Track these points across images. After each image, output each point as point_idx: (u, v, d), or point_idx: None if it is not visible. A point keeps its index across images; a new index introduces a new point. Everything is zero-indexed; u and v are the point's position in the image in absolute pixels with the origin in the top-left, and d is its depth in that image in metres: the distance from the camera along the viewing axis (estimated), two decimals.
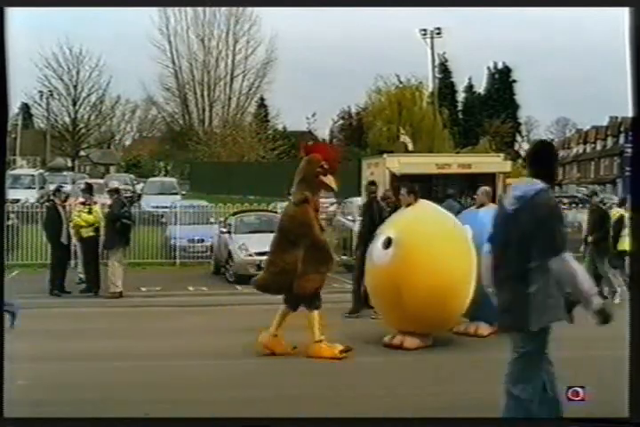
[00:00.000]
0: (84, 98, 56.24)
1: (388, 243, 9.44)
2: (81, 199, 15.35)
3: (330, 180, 8.97)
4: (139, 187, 36.91)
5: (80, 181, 30.87)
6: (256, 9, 51.76)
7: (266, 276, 9.04)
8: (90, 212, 14.42)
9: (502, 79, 64.26)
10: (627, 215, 14.88)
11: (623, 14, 5.64)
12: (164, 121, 60.51)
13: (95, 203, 14.81)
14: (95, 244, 14.35)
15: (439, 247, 9.33)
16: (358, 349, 9.32)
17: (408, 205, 9.94)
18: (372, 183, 12.90)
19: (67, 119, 56.64)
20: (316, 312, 8.88)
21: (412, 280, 9.13)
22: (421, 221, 9.82)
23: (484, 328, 9.89)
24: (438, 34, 47.94)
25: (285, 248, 8.85)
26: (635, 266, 6.26)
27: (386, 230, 9.75)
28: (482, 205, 10.44)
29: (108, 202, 14.92)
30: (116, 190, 14.98)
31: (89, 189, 15.41)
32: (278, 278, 8.83)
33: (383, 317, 10.07)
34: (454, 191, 17.99)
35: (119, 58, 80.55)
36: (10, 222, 17.79)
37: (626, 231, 14.27)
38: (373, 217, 11.53)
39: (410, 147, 20.68)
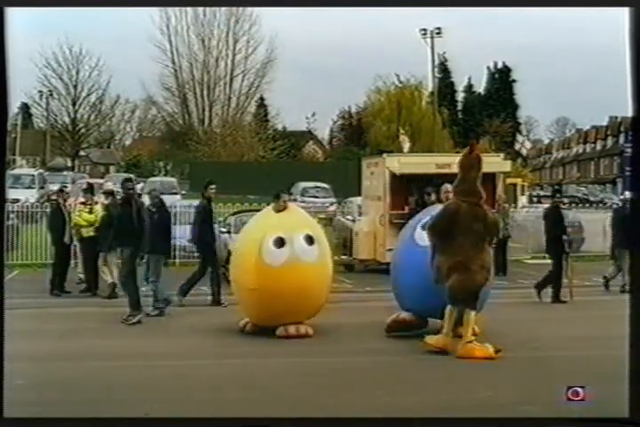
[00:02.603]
0: (83, 98, 56.36)
1: (310, 240, 10.02)
2: (81, 199, 15.33)
3: None
4: (139, 187, 36.86)
5: (80, 181, 30.85)
6: (256, 9, 51.81)
7: (470, 276, 8.96)
8: (91, 212, 14.41)
9: (502, 79, 64.28)
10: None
11: (623, 14, 5.65)
12: (163, 121, 60.50)
13: (96, 203, 14.77)
14: (95, 244, 14.32)
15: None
16: (358, 348, 9.33)
17: (282, 209, 10.47)
18: (129, 180, 13.12)
19: (66, 119, 56.74)
20: (473, 313, 8.94)
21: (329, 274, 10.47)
22: (308, 220, 10.90)
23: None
24: (438, 34, 47.96)
25: (480, 247, 9.03)
26: (635, 266, 6.26)
27: (285, 230, 10.12)
28: None
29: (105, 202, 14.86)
30: (111, 193, 14.96)
31: (90, 189, 15.38)
32: (479, 277, 8.95)
33: (265, 313, 10.09)
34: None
35: (119, 58, 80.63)
36: (10, 222, 17.76)
37: None
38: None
39: (405, 148, 20.54)
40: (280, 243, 9.96)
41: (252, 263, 10.10)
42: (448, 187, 10.36)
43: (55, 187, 20.53)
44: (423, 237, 9.62)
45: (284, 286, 9.80)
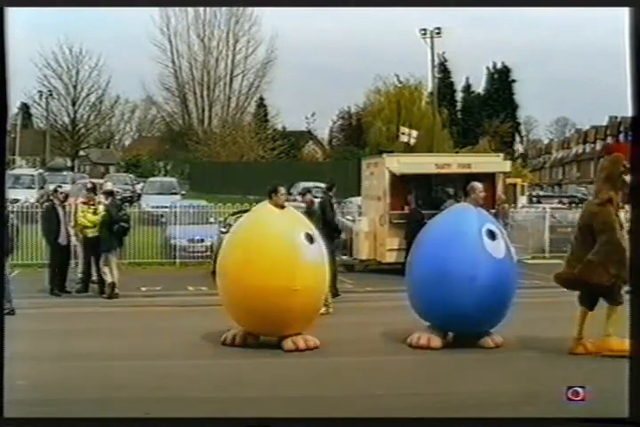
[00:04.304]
0: (83, 98, 56.40)
1: (310, 238, 9.38)
2: (81, 199, 15.32)
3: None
4: (138, 187, 36.90)
5: (79, 181, 30.85)
6: (256, 9, 51.88)
7: (570, 271, 9.09)
8: (95, 213, 14.41)
9: (502, 79, 64.27)
10: None
11: (623, 14, 5.66)
12: (163, 121, 60.57)
13: (99, 203, 14.76)
14: (98, 244, 14.33)
15: None
16: (358, 348, 9.33)
17: (282, 204, 9.78)
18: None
19: (66, 119, 56.78)
20: (616, 308, 8.82)
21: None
22: (302, 218, 10.00)
23: (436, 341, 9.39)
24: (438, 34, 47.87)
25: (588, 244, 9.03)
26: (635, 267, 6.26)
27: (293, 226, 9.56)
28: None
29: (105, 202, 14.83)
30: (111, 193, 14.93)
31: (94, 189, 15.36)
32: (582, 273, 8.96)
33: (262, 318, 9.24)
34: (454, 191, 18.01)
35: (119, 58, 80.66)
36: (10, 222, 17.75)
37: None
38: None
39: (413, 138, 20.42)
40: (310, 239, 9.40)
41: (290, 261, 9.20)
42: (480, 186, 9.99)
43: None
44: (497, 249, 9.29)
45: (319, 285, 9.54)
